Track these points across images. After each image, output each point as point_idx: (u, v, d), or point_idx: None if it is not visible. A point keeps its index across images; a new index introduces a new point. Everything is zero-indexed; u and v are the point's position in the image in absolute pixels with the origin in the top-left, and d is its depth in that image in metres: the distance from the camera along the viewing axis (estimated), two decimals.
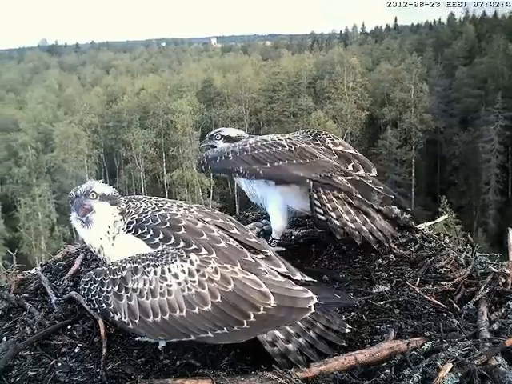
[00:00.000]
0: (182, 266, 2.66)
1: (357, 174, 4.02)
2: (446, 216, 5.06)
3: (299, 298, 2.76)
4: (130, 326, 2.63)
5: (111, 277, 2.66)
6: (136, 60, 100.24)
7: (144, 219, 2.86)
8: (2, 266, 4.19)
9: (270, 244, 4.14)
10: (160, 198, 3.10)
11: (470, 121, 58.67)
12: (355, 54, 70.10)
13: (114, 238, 2.90)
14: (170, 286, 2.62)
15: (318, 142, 4.18)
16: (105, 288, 2.65)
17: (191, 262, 2.67)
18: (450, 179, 56.28)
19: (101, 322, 3.16)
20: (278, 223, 4.15)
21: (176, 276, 2.63)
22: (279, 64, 74.09)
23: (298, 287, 2.82)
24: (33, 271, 4.21)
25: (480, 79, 62.04)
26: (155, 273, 2.64)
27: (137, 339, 3.11)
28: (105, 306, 2.64)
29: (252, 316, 2.64)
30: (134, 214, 2.92)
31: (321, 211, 3.81)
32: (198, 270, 2.65)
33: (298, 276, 2.95)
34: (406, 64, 63.67)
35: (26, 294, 3.78)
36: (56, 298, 3.60)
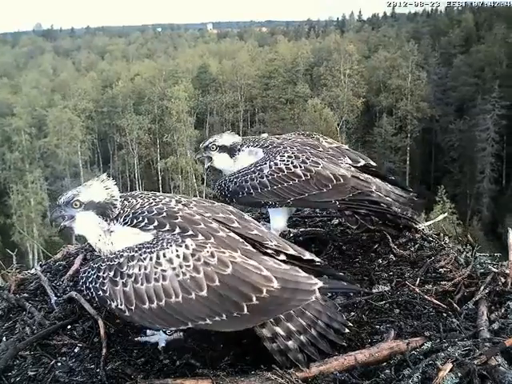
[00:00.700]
0: (177, 250, 2.61)
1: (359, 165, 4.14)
2: (445, 214, 5.04)
3: (303, 281, 2.71)
4: (127, 313, 2.59)
5: (108, 263, 2.64)
6: (131, 45, 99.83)
7: (140, 211, 2.84)
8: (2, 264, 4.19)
9: None
10: (158, 193, 3.05)
11: (466, 109, 58.76)
12: (352, 42, 70.06)
13: (110, 234, 2.87)
14: (165, 271, 2.58)
15: (317, 144, 4.23)
16: (101, 274, 2.63)
17: (186, 247, 2.63)
18: (445, 167, 56.53)
19: (100, 322, 3.16)
20: (277, 222, 4.17)
21: (171, 261, 2.59)
22: (276, 50, 74.03)
23: (303, 273, 2.76)
24: (32, 271, 4.21)
25: (477, 68, 62.07)
26: (151, 259, 2.60)
27: (136, 339, 3.11)
28: (101, 293, 2.61)
29: (254, 299, 2.57)
30: (130, 211, 2.89)
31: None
32: (192, 255, 2.60)
33: (308, 256, 2.90)
34: (403, 52, 63.69)
35: (25, 294, 3.78)
36: (56, 298, 3.60)
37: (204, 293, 2.55)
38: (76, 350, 3.07)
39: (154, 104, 59.58)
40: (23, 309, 3.53)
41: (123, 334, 3.18)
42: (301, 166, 3.86)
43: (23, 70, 77.24)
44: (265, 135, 4.40)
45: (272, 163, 3.91)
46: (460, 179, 54.12)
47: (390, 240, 4.18)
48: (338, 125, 56.68)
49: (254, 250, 2.78)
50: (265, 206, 3.97)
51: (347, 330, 2.92)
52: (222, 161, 4.17)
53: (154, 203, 2.90)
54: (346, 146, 4.36)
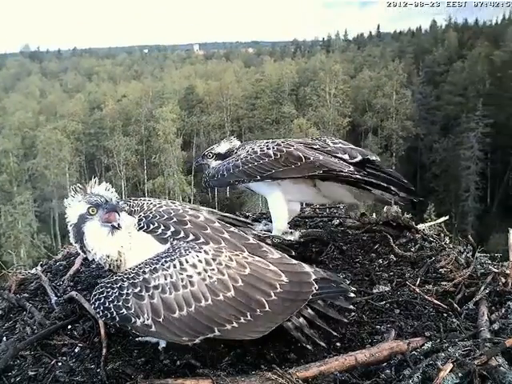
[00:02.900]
0: (198, 256, 2.69)
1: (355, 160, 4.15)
2: (447, 217, 5.03)
3: (301, 272, 2.89)
4: (153, 328, 2.56)
5: (130, 281, 2.62)
6: (118, 67, 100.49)
7: (151, 215, 2.89)
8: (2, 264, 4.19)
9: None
10: (152, 199, 3.11)
11: (450, 128, 58.94)
12: (337, 61, 70.55)
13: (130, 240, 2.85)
14: (191, 276, 2.63)
15: (315, 141, 4.29)
16: (124, 291, 2.59)
17: (206, 252, 2.72)
18: (430, 186, 56.23)
19: (101, 322, 3.15)
20: (279, 221, 4.19)
21: (194, 266, 2.65)
22: (262, 71, 74.83)
23: (294, 261, 2.96)
24: (33, 271, 4.22)
25: (461, 86, 62.37)
26: (174, 266, 2.64)
27: (137, 339, 3.11)
28: (124, 312, 2.56)
29: (273, 294, 2.70)
30: (140, 211, 2.94)
31: None
32: (214, 259, 2.70)
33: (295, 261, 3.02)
34: (388, 71, 64.20)
35: (26, 294, 3.78)
36: (56, 298, 3.60)
37: (231, 293, 2.64)
38: (76, 350, 3.07)
39: (141, 125, 59.99)
40: (23, 309, 3.53)
41: (123, 333, 3.18)
42: (274, 148, 3.96)
43: (10, 92, 77.28)
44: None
45: (250, 148, 4.07)
46: (445, 198, 53.96)
47: (391, 240, 4.19)
48: None
49: (256, 243, 2.94)
50: (233, 184, 4.03)
51: (352, 295, 3.02)
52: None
53: (157, 205, 2.98)
54: (352, 146, 4.37)
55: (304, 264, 2.97)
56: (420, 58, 72.68)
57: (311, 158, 3.90)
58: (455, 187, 53.60)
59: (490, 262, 3.85)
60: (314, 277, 2.88)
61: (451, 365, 2.49)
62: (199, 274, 2.64)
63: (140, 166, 59.52)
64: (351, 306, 3.08)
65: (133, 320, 2.56)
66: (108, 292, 2.62)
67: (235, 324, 2.63)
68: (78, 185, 2.90)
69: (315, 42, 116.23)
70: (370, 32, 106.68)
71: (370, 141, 58.44)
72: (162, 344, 3.02)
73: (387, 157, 58.10)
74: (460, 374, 2.46)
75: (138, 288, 2.59)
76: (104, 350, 2.95)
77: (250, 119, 65.20)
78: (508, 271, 3.48)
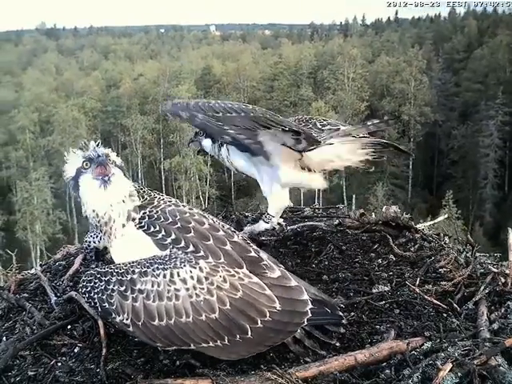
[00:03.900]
0: (191, 271, 2.63)
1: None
2: (446, 215, 5.04)
3: (297, 299, 2.80)
4: (131, 328, 2.60)
5: (119, 278, 2.62)
6: (135, 46, 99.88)
7: (155, 216, 2.82)
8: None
9: (264, 220, 4.22)
10: (165, 196, 3.05)
11: (469, 115, 58.79)
12: (355, 46, 70.35)
13: (124, 224, 2.81)
14: (179, 290, 2.59)
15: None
16: (110, 287, 2.60)
17: (200, 269, 2.65)
18: (448, 172, 56.43)
19: (100, 322, 3.15)
20: (275, 202, 4.13)
21: (185, 281, 2.61)
22: (279, 53, 74.09)
23: (293, 283, 2.86)
24: (32, 271, 4.22)
25: (481, 74, 62.05)
26: (164, 276, 2.60)
27: (136, 339, 3.11)
28: (107, 306, 2.60)
29: (259, 322, 2.64)
30: (148, 204, 2.88)
31: None
32: (206, 278, 2.63)
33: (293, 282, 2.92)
34: (407, 56, 63.79)
35: (25, 294, 3.77)
36: (56, 298, 3.59)
37: (215, 315, 2.60)
38: (76, 350, 3.07)
39: (158, 104, 59.25)
40: (23, 309, 3.53)
41: (123, 334, 3.16)
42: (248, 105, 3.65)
43: (26, 69, 77.07)
44: None
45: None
46: (462, 184, 53.97)
47: (390, 240, 4.19)
48: None
49: (256, 257, 2.84)
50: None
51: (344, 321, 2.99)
52: (207, 145, 4.33)
53: (168, 203, 2.92)
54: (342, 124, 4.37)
55: (303, 286, 2.89)
56: (439, 44, 72.29)
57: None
58: (473, 174, 53.57)
59: (489, 261, 3.85)
60: (309, 306, 2.80)
61: (451, 365, 2.49)
62: (187, 289, 2.60)
63: (157, 144, 59.27)
64: (342, 330, 3.00)
65: (113, 315, 2.60)
66: (95, 283, 2.64)
67: (211, 344, 2.61)
68: (81, 141, 2.93)
69: (332, 25, 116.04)
70: (389, 17, 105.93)
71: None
72: None
73: (405, 142, 57.69)
74: (459, 374, 2.46)
75: (124, 287, 2.59)
76: (104, 350, 2.95)
77: (267, 101, 64.39)
78: (507, 271, 3.49)
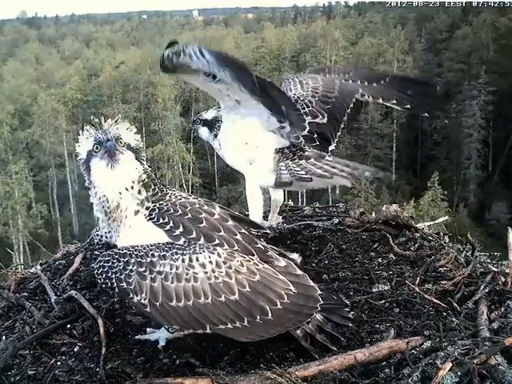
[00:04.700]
0: (210, 257, 2.66)
1: None
2: (447, 217, 5.01)
3: (308, 285, 2.87)
4: (148, 309, 2.60)
5: (138, 259, 2.62)
6: (117, 33, 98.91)
7: (165, 208, 2.81)
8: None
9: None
10: (176, 191, 3.03)
11: (452, 95, 58.05)
12: (338, 28, 69.77)
13: (136, 211, 2.80)
14: (197, 273, 2.62)
15: None
16: (129, 267, 2.60)
17: (219, 255, 2.68)
18: (431, 154, 56.17)
19: (100, 321, 3.16)
20: (254, 211, 4.10)
21: (203, 265, 2.64)
22: (262, 37, 73.52)
23: (299, 272, 2.92)
24: (32, 270, 4.22)
25: (463, 53, 61.36)
26: (183, 260, 2.63)
27: (137, 337, 3.11)
28: (125, 285, 2.60)
29: (279, 303, 2.68)
30: (155, 192, 2.87)
31: None
32: (224, 263, 2.67)
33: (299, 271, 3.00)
34: (390, 38, 63.56)
35: (25, 293, 3.77)
36: (55, 297, 3.59)
37: (235, 297, 2.63)
38: (76, 349, 3.07)
39: (139, 92, 58.82)
40: (23, 308, 3.53)
41: (123, 332, 3.18)
42: None
43: (7, 60, 75.95)
44: None
45: None
46: (446, 165, 53.73)
47: (390, 239, 4.19)
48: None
49: (263, 248, 2.89)
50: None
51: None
52: (203, 134, 4.33)
53: (178, 195, 2.92)
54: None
55: (307, 276, 2.95)
56: (422, 24, 71.50)
57: None
58: (457, 155, 53.42)
59: (489, 261, 3.85)
60: (318, 292, 2.86)
61: (450, 364, 2.49)
62: (206, 273, 2.63)
63: (139, 133, 58.56)
64: (350, 324, 3.03)
65: (131, 295, 2.60)
66: (113, 263, 2.63)
67: (230, 326, 2.63)
68: (94, 118, 2.86)
69: (315, 7, 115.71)
70: None
71: (370, 108, 57.87)
72: (162, 343, 3.02)
73: (388, 124, 57.70)
74: (459, 373, 2.46)
75: (143, 268, 2.60)
76: (103, 349, 2.95)
77: None
78: (508, 270, 3.48)
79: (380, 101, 4.37)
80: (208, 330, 2.66)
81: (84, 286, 3.80)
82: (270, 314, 2.66)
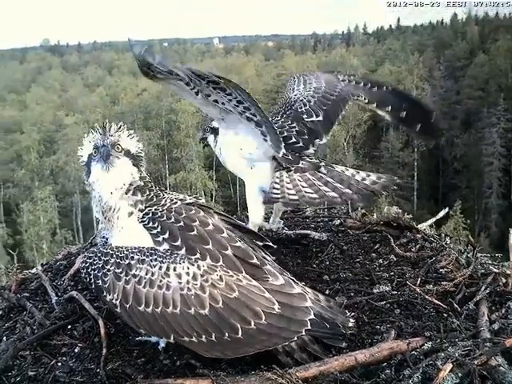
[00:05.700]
0: (188, 268, 2.65)
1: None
2: (447, 210, 4.95)
3: (298, 307, 2.76)
4: (118, 309, 2.64)
5: (117, 260, 2.67)
6: None
7: (159, 214, 2.83)
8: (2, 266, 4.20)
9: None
10: (175, 193, 3.07)
11: (472, 123, 58.08)
12: (357, 55, 70.17)
13: (129, 213, 2.85)
14: (171, 282, 2.62)
15: None
16: (107, 266, 2.67)
17: (198, 267, 2.66)
18: (452, 182, 55.62)
19: (101, 322, 3.16)
20: (253, 214, 4.12)
21: (179, 276, 2.63)
22: (282, 65, 74.30)
23: (296, 291, 2.82)
24: (33, 271, 4.22)
25: (482, 80, 61.41)
26: (160, 268, 2.64)
27: (137, 339, 3.11)
28: (100, 283, 2.66)
29: (253, 323, 2.61)
30: (150, 196, 2.92)
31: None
32: (202, 276, 2.64)
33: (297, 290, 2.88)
34: (409, 65, 63.64)
35: (26, 294, 3.78)
36: (56, 298, 3.60)
37: (205, 311, 2.60)
38: (76, 350, 3.07)
39: (161, 119, 59.25)
40: (24, 308, 3.54)
41: (123, 333, 3.18)
42: None
43: (31, 87, 77.55)
44: None
45: None
46: (467, 194, 53.01)
47: (391, 240, 4.19)
48: (345, 139, 56.27)
49: (258, 263, 2.82)
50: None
51: (348, 330, 2.92)
52: (210, 141, 4.40)
53: (174, 200, 2.94)
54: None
55: (307, 296, 2.83)
56: (441, 51, 71.45)
57: None
58: (478, 183, 52.83)
59: (490, 262, 3.85)
60: (310, 316, 2.74)
61: (451, 365, 2.48)
62: (180, 283, 2.62)
63: (161, 160, 58.90)
64: (343, 344, 2.88)
65: (104, 293, 2.66)
66: (94, 260, 2.72)
67: (194, 339, 2.60)
68: (97, 126, 2.98)
69: (335, 35, 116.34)
70: (390, 25, 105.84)
71: (391, 136, 57.72)
72: (162, 344, 3.02)
73: (409, 152, 57.38)
74: (460, 374, 2.45)
75: (120, 269, 2.65)
76: (104, 350, 2.96)
77: (269, 114, 64.39)
78: (508, 271, 3.48)
79: (373, 106, 4.41)
80: (171, 340, 2.64)
81: (85, 286, 3.79)
82: (240, 333, 2.59)
